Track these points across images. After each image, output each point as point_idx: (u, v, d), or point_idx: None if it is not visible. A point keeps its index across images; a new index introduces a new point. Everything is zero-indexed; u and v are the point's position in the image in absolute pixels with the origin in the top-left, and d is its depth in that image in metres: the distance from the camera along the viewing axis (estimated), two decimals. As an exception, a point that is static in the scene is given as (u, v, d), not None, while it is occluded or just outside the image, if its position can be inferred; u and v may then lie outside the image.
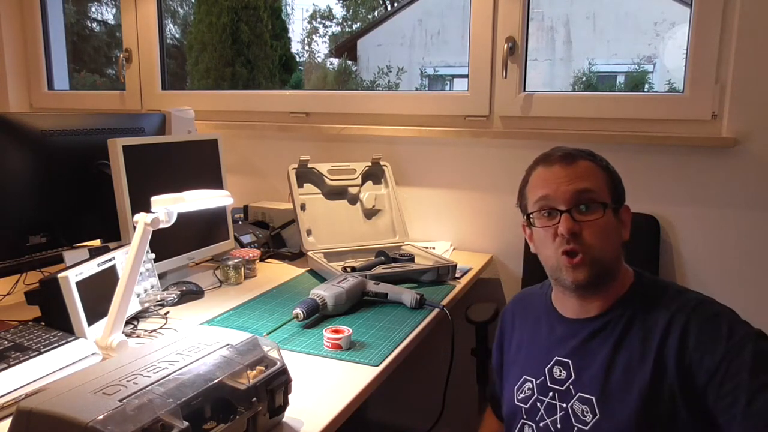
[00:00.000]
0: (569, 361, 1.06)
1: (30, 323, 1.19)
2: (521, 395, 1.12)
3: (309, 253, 1.82)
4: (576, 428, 1.01)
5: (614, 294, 1.06)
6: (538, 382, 1.10)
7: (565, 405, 1.04)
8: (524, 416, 1.11)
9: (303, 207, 1.91)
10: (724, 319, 0.96)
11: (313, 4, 9.27)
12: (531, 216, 1.10)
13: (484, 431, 1.36)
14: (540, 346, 1.12)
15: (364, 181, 2.02)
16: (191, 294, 1.55)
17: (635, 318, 1.03)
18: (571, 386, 1.05)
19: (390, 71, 8.71)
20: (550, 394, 1.07)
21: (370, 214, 2.01)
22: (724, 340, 0.93)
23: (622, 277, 1.08)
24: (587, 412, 1.01)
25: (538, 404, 1.09)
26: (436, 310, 1.48)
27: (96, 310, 1.22)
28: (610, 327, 1.04)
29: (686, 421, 0.94)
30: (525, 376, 1.13)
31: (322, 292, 1.42)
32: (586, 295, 1.07)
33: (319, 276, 1.75)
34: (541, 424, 1.07)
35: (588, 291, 1.06)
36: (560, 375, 1.07)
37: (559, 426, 1.04)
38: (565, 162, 1.08)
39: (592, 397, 1.01)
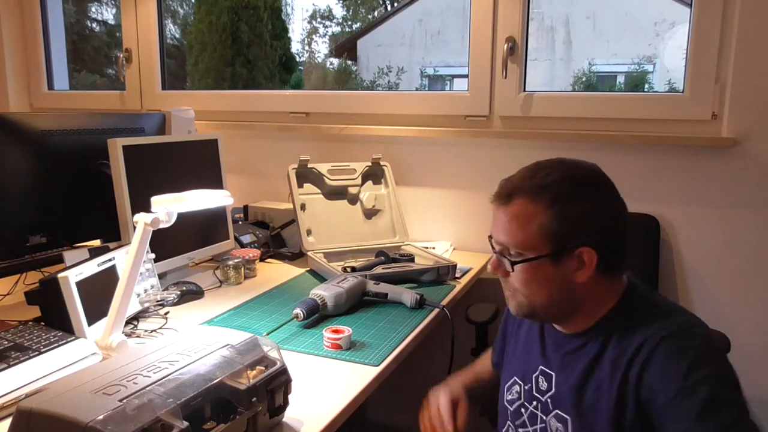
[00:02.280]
0: (552, 373, 1.04)
1: (30, 323, 1.19)
2: (509, 396, 1.12)
3: (309, 253, 1.82)
4: None
5: (594, 314, 1.00)
6: (525, 387, 1.09)
7: (545, 418, 1.04)
8: (509, 418, 1.11)
9: (303, 207, 1.91)
10: (688, 355, 0.88)
11: (313, 4, 9.27)
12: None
13: (477, 367, 1.34)
14: (532, 351, 1.11)
15: (364, 181, 2.02)
16: (191, 294, 1.54)
17: (612, 338, 0.96)
18: (549, 400, 1.03)
19: (390, 71, 8.71)
20: (534, 403, 1.06)
21: (370, 214, 2.01)
22: (681, 379, 0.86)
23: (598, 300, 1.00)
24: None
25: (522, 410, 1.08)
26: (436, 310, 1.48)
27: (96, 310, 1.22)
28: (588, 345, 0.99)
29: None
30: (515, 377, 1.12)
31: (322, 292, 1.42)
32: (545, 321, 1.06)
33: (319, 276, 1.75)
34: (521, 431, 1.08)
35: (537, 320, 1.07)
36: (543, 386, 1.05)
37: None
38: (500, 202, 1.00)
39: (568, 417, 0.99)
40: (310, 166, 1.95)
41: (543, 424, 1.03)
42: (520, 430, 1.08)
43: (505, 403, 1.12)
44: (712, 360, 0.89)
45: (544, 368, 1.06)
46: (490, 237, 1.03)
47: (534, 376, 1.07)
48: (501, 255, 1.00)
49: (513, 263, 0.98)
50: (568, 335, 1.03)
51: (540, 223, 0.95)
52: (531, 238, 0.95)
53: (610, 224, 0.98)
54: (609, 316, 0.99)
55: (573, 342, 1.01)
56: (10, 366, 1.01)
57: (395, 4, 9.75)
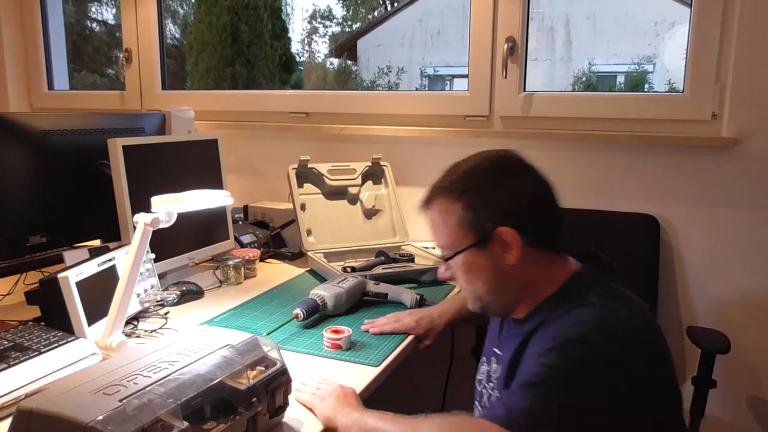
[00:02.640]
0: (500, 354, 1.07)
1: (30, 323, 1.19)
2: (478, 376, 1.15)
3: (309, 253, 1.82)
4: None
5: (535, 299, 1.00)
6: (485, 367, 1.12)
7: (492, 397, 1.07)
8: (475, 397, 1.14)
9: (303, 207, 1.91)
10: (549, 356, 0.86)
11: (313, 4, 9.27)
12: None
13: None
14: (493, 332, 1.14)
15: (364, 181, 2.02)
16: (191, 294, 1.54)
17: (539, 327, 0.96)
18: (495, 380, 1.06)
19: (390, 71, 8.71)
20: (490, 384, 1.08)
21: (370, 214, 2.01)
22: (526, 372, 0.88)
23: (538, 284, 1.00)
24: None
25: (480, 388, 1.12)
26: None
27: (96, 310, 1.22)
28: (524, 328, 0.99)
29: None
30: (483, 357, 1.15)
31: (322, 292, 1.42)
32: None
33: (319, 276, 1.75)
34: (477, 407, 1.12)
35: (493, 315, 1.10)
36: (493, 366, 1.08)
37: None
38: (422, 209, 1.07)
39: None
40: (310, 166, 1.95)
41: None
42: (478, 406, 1.12)
43: (475, 382, 1.16)
44: (576, 371, 0.85)
45: (495, 349, 1.09)
46: None
47: (490, 357, 1.11)
48: (443, 258, 1.06)
49: (446, 260, 1.04)
50: (515, 320, 1.05)
51: (457, 217, 1.00)
52: (454, 233, 1.01)
53: (525, 203, 0.99)
54: (547, 301, 0.99)
55: (515, 326, 1.04)
56: (10, 366, 1.01)
57: (395, 4, 9.75)
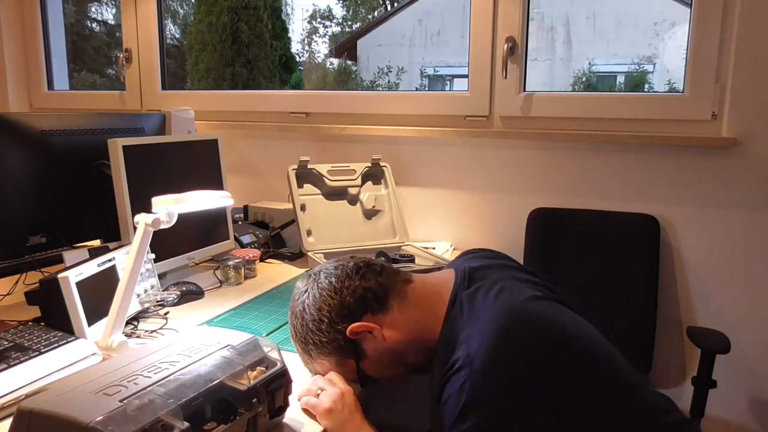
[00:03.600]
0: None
1: (30, 323, 1.19)
2: None
3: (309, 254, 1.82)
4: None
5: (430, 348, 1.02)
6: None
7: None
8: None
9: (303, 207, 1.91)
10: (456, 398, 0.87)
11: (313, 4, 9.28)
12: None
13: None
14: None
15: (364, 182, 2.02)
16: (191, 294, 1.54)
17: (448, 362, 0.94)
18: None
19: (390, 71, 8.72)
20: None
21: (370, 214, 2.01)
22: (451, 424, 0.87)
23: (431, 326, 1.02)
24: None
25: None
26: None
27: (96, 311, 1.22)
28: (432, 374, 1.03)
29: None
30: None
31: (323, 293, 1.42)
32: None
33: (319, 276, 1.75)
34: None
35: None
36: None
37: None
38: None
39: None
40: (309, 166, 1.95)
41: None
42: None
43: None
44: (481, 404, 0.85)
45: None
46: None
47: None
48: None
49: (350, 380, 1.04)
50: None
51: (321, 362, 1.06)
52: (341, 368, 1.05)
53: (346, 302, 1.04)
54: (438, 343, 1.01)
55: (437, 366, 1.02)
56: (10, 366, 1.01)
57: (395, 4, 9.75)
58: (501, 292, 0.99)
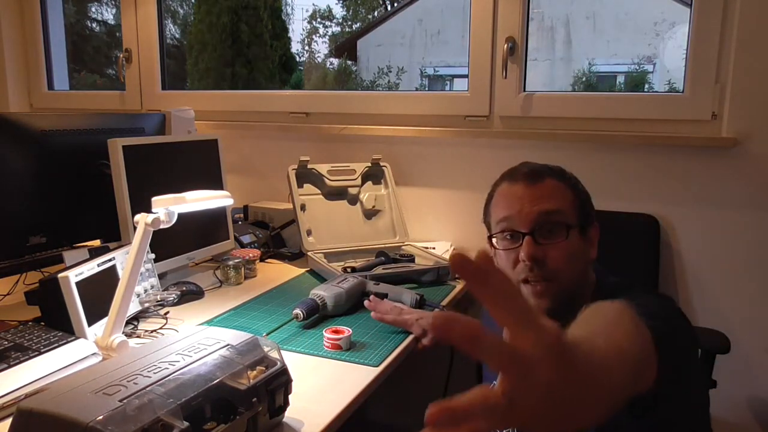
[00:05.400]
0: None
1: (30, 323, 1.19)
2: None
3: (309, 254, 1.82)
4: None
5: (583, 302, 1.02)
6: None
7: None
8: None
9: (303, 207, 1.91)
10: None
11: (313, 4, 9.29)
12: (493, 237, 1.07)
13: None
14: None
15: (363, 182, 2.02)
16: (191, 294, 1.54)
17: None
18: None
19: (390, 71, 8.72)
20: None
21: (370, 214, 2.01)
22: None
23: (586, 291, 1.04)
24: None
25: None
26: (436, 311, 1.48)
27: (96, 310, 1.22)
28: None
29: None
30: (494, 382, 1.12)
31: (322, 293, 1.42)
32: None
33: (319, 276, 1.75)
34: None
35: (551, 317, 1.06)
36: None
37: None
38: (530, 180, 1.04)
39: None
40: (309, 166, 1.95)
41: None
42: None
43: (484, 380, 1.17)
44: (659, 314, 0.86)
45: None
46: (505, 220, 1.05)
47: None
48: (537, 230, 1.01)
49: (569, 228, 1.01)
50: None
51: (571, 198, 1.04)
52: (571, 207, 1.03)
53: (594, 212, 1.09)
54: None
55: None
56: (10, 366, 1.01)
57: (395, 4, 9.76)
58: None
